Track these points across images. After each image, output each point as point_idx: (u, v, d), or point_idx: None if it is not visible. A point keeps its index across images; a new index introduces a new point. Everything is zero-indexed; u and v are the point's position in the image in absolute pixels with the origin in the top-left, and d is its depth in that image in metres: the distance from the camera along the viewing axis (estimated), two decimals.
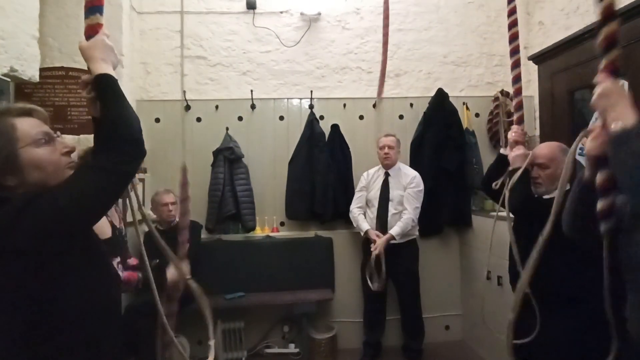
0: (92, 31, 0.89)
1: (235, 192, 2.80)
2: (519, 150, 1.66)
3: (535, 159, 1.65)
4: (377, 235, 2.54)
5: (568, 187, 1.57)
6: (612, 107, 0.84)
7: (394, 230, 2.53)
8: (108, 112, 0.80)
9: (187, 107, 2.94)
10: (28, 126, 0.79)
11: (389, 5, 3.10)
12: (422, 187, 2.64)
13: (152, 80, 2.98)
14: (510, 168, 1.66)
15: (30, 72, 1.79)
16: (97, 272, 0.86)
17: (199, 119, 2.97)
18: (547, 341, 1.50)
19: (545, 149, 1.64)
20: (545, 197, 1.62)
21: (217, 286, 2.72)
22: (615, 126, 0.79)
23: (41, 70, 2.00)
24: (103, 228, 1.33)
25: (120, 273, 1.36)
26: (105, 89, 0.81)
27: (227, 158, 2.82)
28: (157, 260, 2.56)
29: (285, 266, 2.83)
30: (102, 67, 0.83)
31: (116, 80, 0.83)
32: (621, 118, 0.78)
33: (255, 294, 2.73)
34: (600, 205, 0.87)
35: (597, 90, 0.91)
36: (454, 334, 3.05)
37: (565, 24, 2.67)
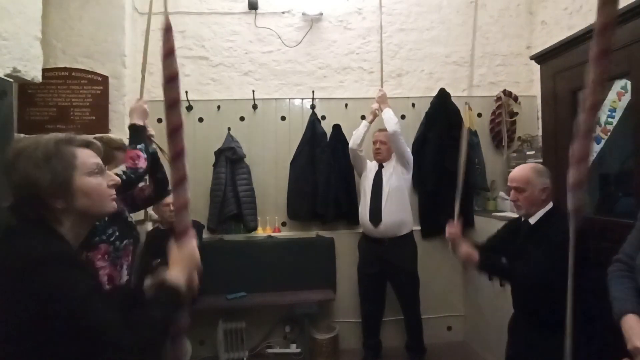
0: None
1: (237, 192, 2.81)
2: None
3: (511, 183, 1.67)
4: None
5: (551, 205, 1.60)
6: None
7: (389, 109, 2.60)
8: (154, 312, 0.82)
9: (189, 108, 2.95)
10: (86, 156, 0.86)
11: (391, 4, 3.10)
12: (412, 157, 2.65)
13: (155, 81, 2.99)
14: None
15: (33, 72, 1.80)
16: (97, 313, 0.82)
17: (200, 119, 2.98)
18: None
19: (519, 173, 1.65)
20: (531, 220, 1.63)
21: (219, 286, 2.73)
22: None
23: (44, 71, 2.01)
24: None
25: (119, 171, 1.47)
26: (170, 298, 0.86)
27: (229, 158, 2.83)
28: (159, 260, 2.57)
29: (286, 266, 2.83)
30: (179, 278, 0.89)
31: (180, 295, 0.88)
32: None
33: (256, 294, 2.73)
34: None
35: None
36: (456, 334, 3.04)
37: (568, 24, 2.66)
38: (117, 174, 1.44)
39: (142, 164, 1.53)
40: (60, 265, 0.73)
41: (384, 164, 2.67)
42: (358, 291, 2.78)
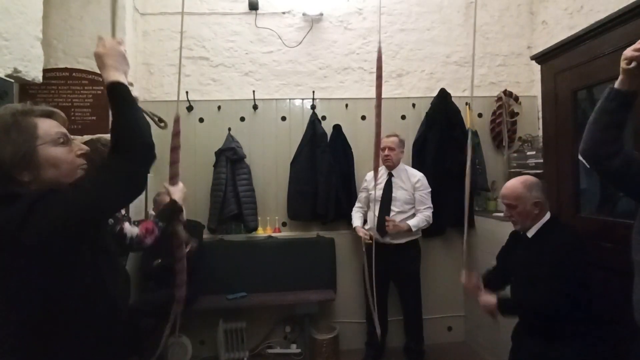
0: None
1: (237, 193, 2.81)
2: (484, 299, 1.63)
3: (502, 200, 1.69)
4: (365, 234, 2.48)
5: None
6: None
7: (412, 222, 2.50)
8: (119, 119, 0.83)
9: (190, 108, 2.96)
10: (48, 126, 0.84)
11: (392, 5, 3.10)
12: (429, 188, 2.62)
13: (155, 81, 3.00)
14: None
15: (34, 73, 1.81)
16: (105, 270, 0.88)
17: (201, 120, 2.98)
18: None
19: (508, 189, 1.66)
20: (528, 234, 1.64)
21: (219, 286, 2.73)
22: None
23: (45, 71, 2.01)
24: None
25: (133, 229, 1.36)
26: (117, 97, 0.85)
27: (229, 158, 2.83)
28: (160, 260, 2.58)
29: (287, 267, 2.83)
30: (114, 75, 0.86)
31: (127, 88, 0.87)
32: None
33: (257, 294, 2.73)
34: None
35: None
36: (457, 335, 3.03)
37: (569, 24, 2.66)
38: (125, 234, 1.36)
39: (150, 241, 1.39)
40: (35, 201, 0.74)
41: (393, 173, 2.63)
42: (363, 291, 2.77)
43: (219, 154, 2.85)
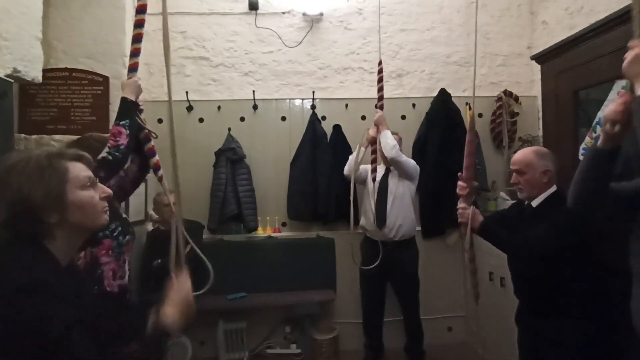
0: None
1: (238, 193, 2.81)
2: (462, 204, 1.61)
3: (512, 166, 1.67)
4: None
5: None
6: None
7: (390, 135, 2.45)
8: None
9: (190, 108, 2.96)
10: (78, 170, 0.87)
11: (392, 5, 3.10)
12: (416, 166, 2.59)
13: (155, 82, 2.99)
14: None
15: (34, 73, 1.80)
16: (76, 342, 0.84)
17: (201, 120, 2.98)
18: (557, 347, 1.50)
19: (519, 155, 1.65)
20: (533, 203, 1.62)
21: (219, 286, 2.72)
22: None
23: (45, 71, 2.01)
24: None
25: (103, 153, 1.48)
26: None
27: (229, 158, 2.83)
28: (160, 260, 2.58)
29: (287, 267, 2.83)
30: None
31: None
32: None
33: (257, 295, 2.73)
34: None
35: (629, 56, 0.96)
36: (457, 335, 3.03)
37: (570, 24, 2.66)
38: (102, 157, 1.45)
39: (123, 140, 1.47)
40: (42, 295, 0.72)
41: (391, 167, 2.63)
42: (360, 292, 2.77)
43: (219, 154, 2.85)
